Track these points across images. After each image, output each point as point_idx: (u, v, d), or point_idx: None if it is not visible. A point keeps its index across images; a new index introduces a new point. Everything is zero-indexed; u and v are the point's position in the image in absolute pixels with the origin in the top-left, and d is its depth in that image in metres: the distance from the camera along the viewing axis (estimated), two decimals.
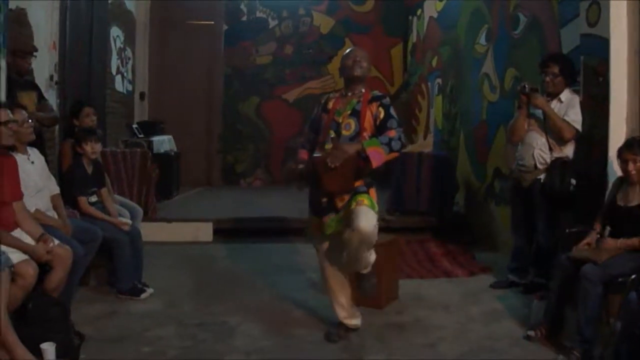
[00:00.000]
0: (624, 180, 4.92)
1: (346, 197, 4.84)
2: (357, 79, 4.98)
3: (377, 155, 4.68)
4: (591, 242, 4.92)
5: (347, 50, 5.16)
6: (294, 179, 5.06)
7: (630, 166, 4.75)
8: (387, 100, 4.96)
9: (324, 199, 4.90)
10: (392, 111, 4.92)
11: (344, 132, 4.88)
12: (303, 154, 5.14)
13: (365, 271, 5.06)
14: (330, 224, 4.91)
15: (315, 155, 4.85)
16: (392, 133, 4.79)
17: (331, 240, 5.01)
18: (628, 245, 4.63)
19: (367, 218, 4.67)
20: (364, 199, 4.77)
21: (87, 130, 6.35)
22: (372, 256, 4.99)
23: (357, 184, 4.82)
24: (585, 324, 4.49)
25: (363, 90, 4.99)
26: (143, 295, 5.93)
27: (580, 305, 4.53)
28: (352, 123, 4.88)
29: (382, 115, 4.87)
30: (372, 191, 4.90)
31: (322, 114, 5.06)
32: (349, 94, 5.01)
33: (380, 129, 4.85)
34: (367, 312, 5.41)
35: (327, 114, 5.01)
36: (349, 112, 4.91)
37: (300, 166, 5.02)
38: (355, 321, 5.17)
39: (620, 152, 4.83)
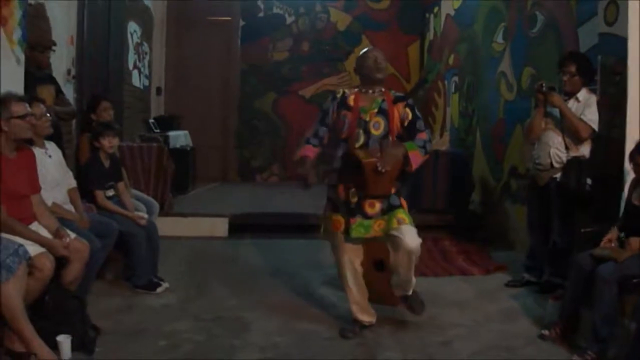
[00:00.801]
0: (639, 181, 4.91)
1: (376, 204, 4.90)
2: (380, 82, 5.00)
3: (416, 159, 4.81)
4: (612, 239, 4.90)
5: (365, 50, 5.14)
6: (307, 179, 4.98)
7: None
8: (411, 101, 5.06)
9: (354, 200, 4.91)
10: (418, 112, 5.00)
11: (373, 132, 4.90)
12: (308, 151, 5.01)
13: (411, 291, 5.16)
14: (358, 228, 4.92)
15: (357, 155, 4.79)
16: (424, 135, 4.94)
17: (353, 241, 5.03)
18: None
19: (412, 237, 4.83)
20: (404, 217, 4.89)
21: (104, 124, 6.36)
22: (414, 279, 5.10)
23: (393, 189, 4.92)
24: (601, 324, 4.46)
25: (383, 90, 5.02)
26: (159, 290, 5.95)
27: (596, 305, 4.51)
28: (381, 122, 4.91)
29: (410, 116, 4.95)
30: (404, 202, 5.00)
31: (343, 110, 4.96)
32: (370, 91, 5.00)
33: (409, 130, 4.93)
34: (382, 309, 5.39)
35: (349, 110, 4.94)
36: (375, 110, 4.92)
37: (308, 166, 4.95)
38: (370, 318, 5.17)
39: (632, 156, 4.81)
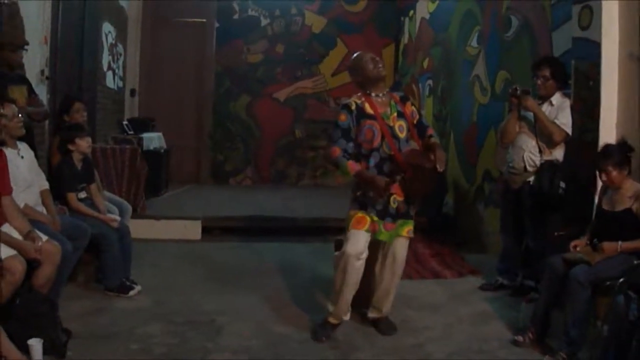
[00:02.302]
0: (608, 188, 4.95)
1: (402, 206, 5.00)
2: (383, 79, 5.06)
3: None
4: (580, 245, 4.93)
5: (356, 54, 5.17)
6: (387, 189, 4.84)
7: (604, 177, 4.79)
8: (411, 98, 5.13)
9: (394, 206, 4.96)
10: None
11: (400, 135, 4.96)
12: (355, 165, 4.89)
13: (388, 312, 5.28)
14: (387, 232, 4.98)
15: (414, 161, 4.82)
16: (432, 130, 5.19)
17: (375, 243, 5.08)
18: (630, 248, 4.62)
19: (406, 250, 5.17)
20: (412, 230, 5.09)
21: (76, 126, 6.32)
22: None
23: None
24: (572, 326, 4.52)
25: (387, 91, 5.12)
26: (131, 293, 5.90)
27: (568, 307, 4.56)
28: (404, 125, 5.00)
29: (417, 114, 5.13)
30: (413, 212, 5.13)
31: (364, 120, 4.92)
32: (379, 94, 5.05)
33: (419, 127, 5.10)
34: (355, 311, 5.39)
35: (372, 119, 4.92)
36: (395, 114, 4.99)
37: (385, 179, 4.81)
38: (347, 316, 5.23)
39: (597, 163, 4.85)
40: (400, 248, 5.06)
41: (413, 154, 4.89)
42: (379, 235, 4.96)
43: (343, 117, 4.94)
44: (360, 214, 4.94)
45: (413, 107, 5.14)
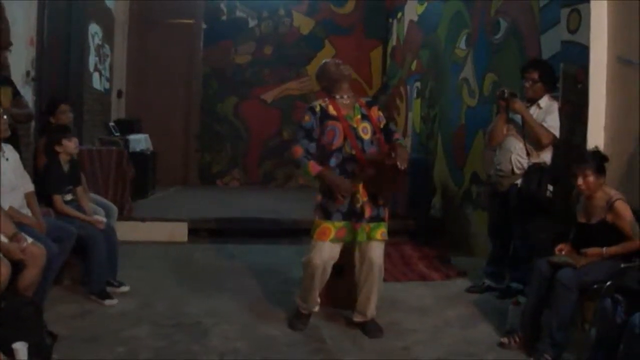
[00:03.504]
0: (581, 195, 4.97)
1: (371, 208, 5.07)
2: (347, 78, 5.17)
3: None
4: (565, 249, 4.94)
5: (322, 62, 5.36)
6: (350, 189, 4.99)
7: (580, 180, 4.78)
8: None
9: (358, 205, 5.04)
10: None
11: (364, 136, 5.07)
12: (317, 166, 5.02)
13: (373, 316, 5.30)
14: (362, 232, 5.06)
15: (375, 159, 4.94)
16: (399, 135, 5.26)
17: (334, 245, 5.13)
18: (614, 252, 4.64)
19: (382, 253, 5.18)
20: (385, 232, 5.17)
21: (62, 127, 6.28)
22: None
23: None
24: (557, 329, 4.53)
25: (353, 94, 5.23)
26: (107, 302, 5.75)
27: (553, 310, 4.57)
28: (368, 127, 5.11)
29: (383, 119, 5.22)
30: (387, 214, 5.24)
31: (328, 121, 5.06)
32: (344, 96, 5.16)
33: (385, 131, 5.17)
34: (341, 314, 5.43)
35: (335, 120, 5.05)
36: (359, 116, 5.11)
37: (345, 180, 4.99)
38: (315, 309, 5.40)
39: (573, 165, 4.86)
40: (376, 252, 5.09)
41: (376, 153, 5.00)
42: (347, 238, 5.08)
43: (307, 118, 5.12)
44: (324, 225, 5.06)
45: (380, 112, 5.24)
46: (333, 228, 5.02)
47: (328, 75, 5.19)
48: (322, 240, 5.05)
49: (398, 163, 4.74)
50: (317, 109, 5.12)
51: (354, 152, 4.98)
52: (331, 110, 5.09)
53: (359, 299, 5.24)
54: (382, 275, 5.23)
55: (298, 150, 5.05)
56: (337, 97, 5.15)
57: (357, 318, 5.29)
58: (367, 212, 5.03)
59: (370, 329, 5.20)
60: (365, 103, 5.23)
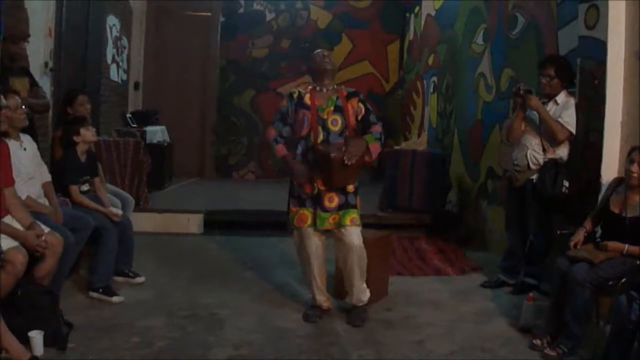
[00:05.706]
0: (621, 183, 4.89)
1: (335, 198, 5.18)
2: (329, 72, 5.29)
3: (375, 150, 5.13)
4: (578, 242, 4.92)
5: (314, 52, 5.47)
6: (303, 175, 5.18)
7: (635, 167, 4.67)
8: (362, 96, 5.37)
9: (315, 192, 5.18)
10: (369, 106, 5.34)
11: (332, 128, 5.19)
12: (284, 150, 5.27)
13: (360, 304, 5.37)
14: (322, 220, 5.18)
15: (324, 150, 5.03)
16: (378, 127, 5.27)
17: (320, 231, 5.29)
18: (635, 252, 4.56)
19: (359, 237, 5.21)
20: (356, 217, 5.22)
21: (79, 118, 6.30)
22: (367, 291, 5.40)
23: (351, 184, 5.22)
24: (572, 322, 4.52)
25: (336, 86, 5.33)
26: (115, 299, 5.60)
27: (570, 304, 4.54)
28: (339, 119, 5.20)
29: (363, 111, 5.27)
30: (359, 202, 5.31)
31: (301, 109, 5.23)
32: (324, 89, 5.28)
33: (364, 123, 5.25)
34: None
35: (307, 109, 5.21)
36: (331, 108, 5.21)
37: (297, 164, 5.20)
38: (329, 303, 5.49)
39: (631, 151, 4.77)
40: (350, 236, 5.16)
41: (332, 145, 5.10)
42: (320, 224, 5.20)
43: (284, 103, 5.36)
44: (301, 211, 5.28)
45: (360, 104, 5.28)
46: (309, 214, 5.22)
47: (312, 65, 5.36)
48: (301, 226, 5.27)
49: (345, 157, 4.85)
50: (295, 95, 5.31)
51: (317, 141, 5.13)
52: (307, 99, 5.25)
53: (345, 286, 5.40)
54: (364, 260, 5.26)
55: (271, 133, 5.30)
56: (318, 88, 5.30)
57: (349, 300, 5.43)
58: (328, 201, 5.15)
59: (351, 315, 5.33)
60: (347, 94, 5.30)
